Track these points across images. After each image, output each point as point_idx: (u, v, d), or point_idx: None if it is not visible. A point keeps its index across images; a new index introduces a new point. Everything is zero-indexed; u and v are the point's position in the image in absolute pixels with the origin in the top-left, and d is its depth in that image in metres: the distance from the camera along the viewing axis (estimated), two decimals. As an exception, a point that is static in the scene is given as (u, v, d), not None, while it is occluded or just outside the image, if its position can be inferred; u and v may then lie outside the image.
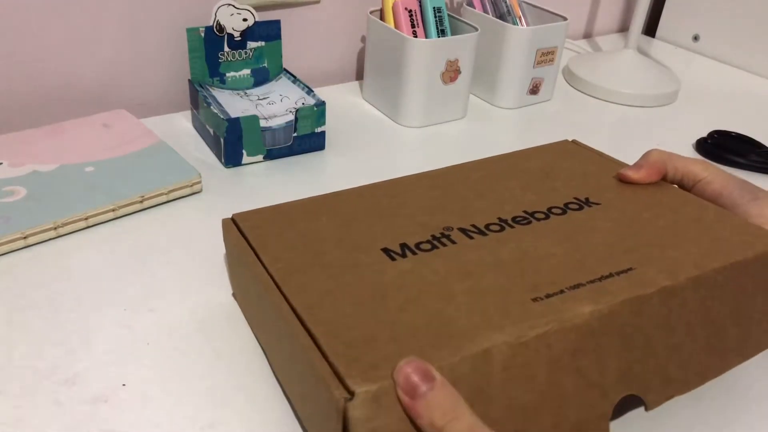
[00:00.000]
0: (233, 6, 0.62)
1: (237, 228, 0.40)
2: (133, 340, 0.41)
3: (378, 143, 0.67)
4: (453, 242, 0.38)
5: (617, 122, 0.76)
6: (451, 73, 0.68)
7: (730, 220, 0.40)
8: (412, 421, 0.28)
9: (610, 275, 0.34)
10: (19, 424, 0.35)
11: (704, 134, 0.70)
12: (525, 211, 0.41)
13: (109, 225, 0.51)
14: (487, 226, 0.39)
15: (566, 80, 0.86)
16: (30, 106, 0.65)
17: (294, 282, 0.35)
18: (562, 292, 0.33)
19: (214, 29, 0.62)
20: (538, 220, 0.40)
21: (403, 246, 0.37)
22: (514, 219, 0.40)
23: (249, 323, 0.42)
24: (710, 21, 0.96)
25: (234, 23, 0.63)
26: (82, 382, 0.38)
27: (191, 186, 0.55)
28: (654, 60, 0.90)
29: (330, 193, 0.44)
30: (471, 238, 0.38)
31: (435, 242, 0.38)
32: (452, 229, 0.39)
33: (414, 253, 0.37)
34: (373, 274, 0.35)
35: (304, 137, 0.62)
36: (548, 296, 0.33)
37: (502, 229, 0.39)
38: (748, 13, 0.91)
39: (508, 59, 0.73)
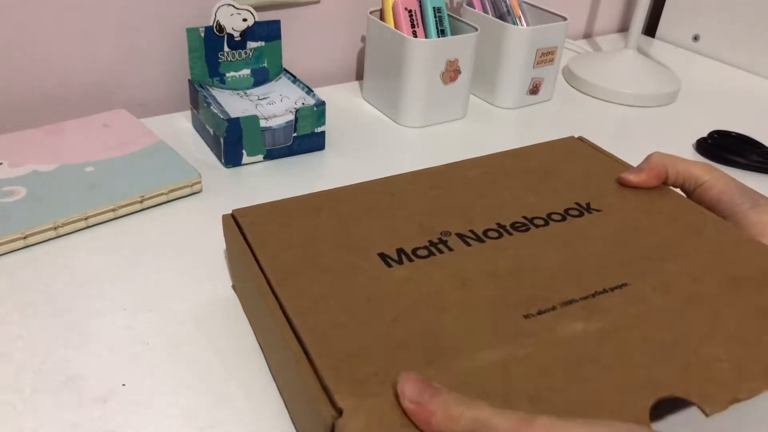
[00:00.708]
0: (233, 6, 0.62)
1: (236, 224, 0.41)
2: (133, 339, 0.41)
3: (378, 143, 0.67)
4: (450, 249, 0.38)
5: (617, 122, 0.76)
6: (451, 73, 0.68)
7: (730, 233, 0.39)
8: (423, 425, 0.27)
9: (604, 291, 0.34)
10: (18, 425, 0.35)
11: (704, 134, 0.70)
12: (524, 217, 0.41)
13: (109, 225, 0.51)
14: (485, 233, 0.39)
15: (566, 80, 0.86)
16: (30, 106, 0.66)
17: (289, 285, 0.35)
18: (554, 308, 0.33)
19: (214, 29, 0.62)
20: (537, 227, 0.40)
21: (400, 252, 0.37)
22: (512, 225, 0.40)
23: (247, 317, 0.42)
24: (710, 21, 0.96)
25: (234, 23, 0.63)
26: (82, 382, 0.38)
27: (191, 186, 0.55)
28: (654, 60, 0.90)
29: (330, 190, 0.44)
30: (468, 245, 0.38)
31: (432, 248, 0.38)
32: (450, 234, 0.39)
33: (410, 260, 0.37)
34: (369, 281, 0.35)
35: (304, 137, 0.62)
36: (540, 313, 0.33)
37: (501, 235, 0.39)
38: (748, 13, 0.91)
39: (508, 59, 0.73)
